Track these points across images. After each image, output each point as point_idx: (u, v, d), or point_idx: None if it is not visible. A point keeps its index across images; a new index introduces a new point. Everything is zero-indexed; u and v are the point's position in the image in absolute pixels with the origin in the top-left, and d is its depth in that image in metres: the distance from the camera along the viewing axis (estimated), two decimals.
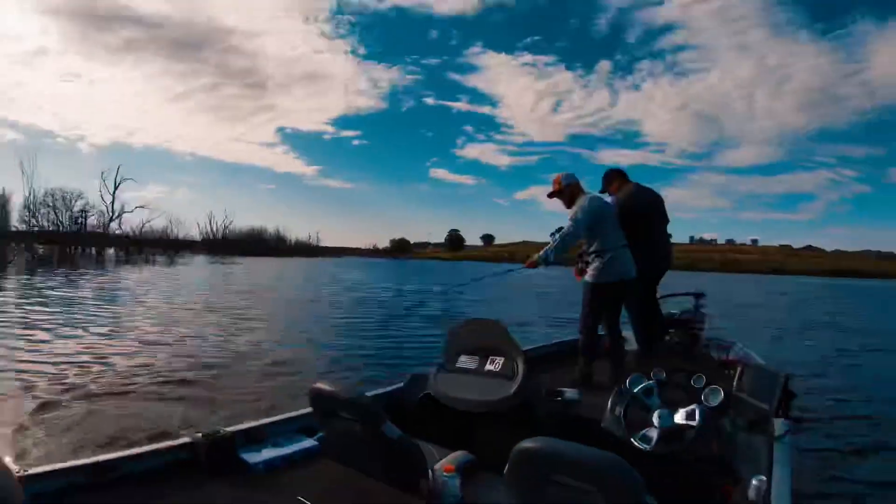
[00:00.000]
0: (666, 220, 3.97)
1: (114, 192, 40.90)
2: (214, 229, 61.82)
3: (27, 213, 32.77)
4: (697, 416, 1.98)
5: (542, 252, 3.36)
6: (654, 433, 2.02)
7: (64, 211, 36.03)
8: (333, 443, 1.80)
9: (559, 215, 3.44)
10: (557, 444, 1.14)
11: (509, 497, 1.28)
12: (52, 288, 14.04)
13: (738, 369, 2.18)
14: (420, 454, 1.66)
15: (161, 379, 4.90)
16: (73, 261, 32.16)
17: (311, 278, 24.95)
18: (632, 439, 2.05)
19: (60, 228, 35.27)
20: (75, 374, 4.90)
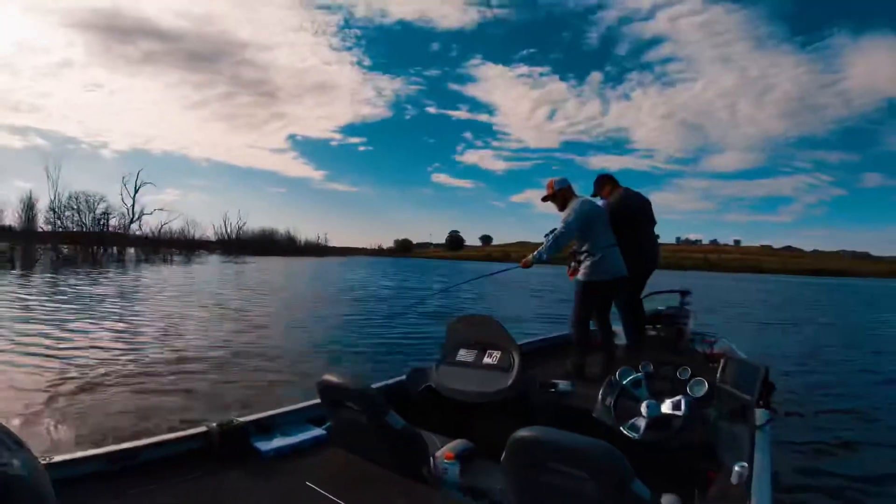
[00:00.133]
0: (653, 223, 3.96)
1: (134, 196, 40.86)
2: (229, 230, 61.76)
3: (53, 216, 32.78)
4: (683, 407, 1.98)
5: (536, 252, 3.35)
6: (642, 422, 2.02)
7: (87, 213, 35.99)
8: (341, 432, 1.80)
9: (552, 217, 3.44)
10: (551, 433, 1.14)
11: (506, 483, 1.28)
12: (75, 285, 14.03)
13: (722, 362, 2.17)
14: (422, 442, 1.66)
15: (177, 371, 4.90)
16: (95, 260, 32.18)
17: (320, 276, 24.94)
18: (621, 428, 2.05)
19: (84, 230, 35.18)
20: (97, 367, 4.90)
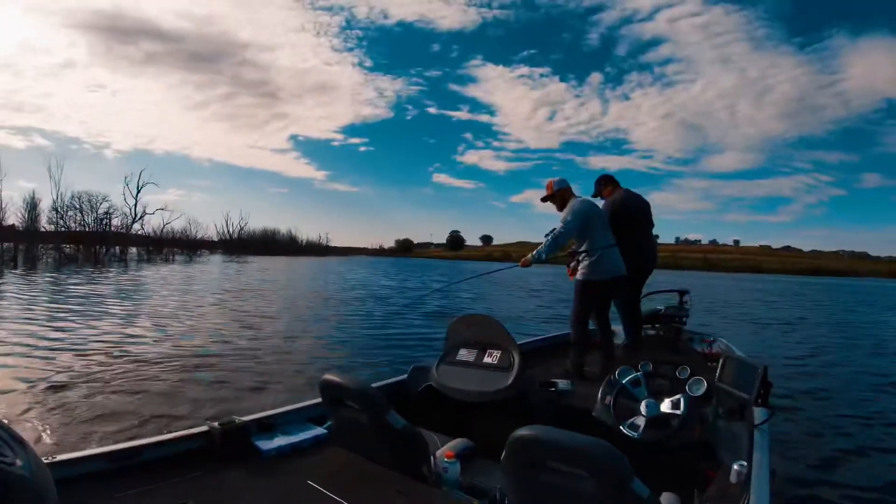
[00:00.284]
0: (651, 225, 3.97)
1: (136, 196, 40.81)
2: (230, 230, 61.69)
3: (55, 215, 32.71)
4: (682, 405, 1.98)
5: (535, 251, 3.35)
6: (641, 421, 2.02)
7: (90, 213, 35.93)
8: (341, 431, 1.80)
9: (552, 217, 3.44)
10: (551, 432, 1.14)
11: (506, 482, 1.28)
12: (77, 284, 14.04)
13: (720, 361, 2.17)
14: (423, 441, 1.66)
15: (178, 370, 4.91)
16: (97, 260, 32.20)
17: (320, 276, 24.95)
18: (621, 427, 2.05)
19: (86, 229, 35.15)
20: (97, 366, 4.90)
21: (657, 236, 4.07)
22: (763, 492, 1.47)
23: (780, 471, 2.83)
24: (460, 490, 1.63)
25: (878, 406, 4.73)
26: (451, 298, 13.71)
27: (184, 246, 45.39)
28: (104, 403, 3.84)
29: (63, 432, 3.28)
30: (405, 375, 2.60)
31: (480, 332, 2.54)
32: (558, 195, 3.44)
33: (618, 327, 3.84)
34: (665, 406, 2.02)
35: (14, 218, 28.74)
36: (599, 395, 2.23)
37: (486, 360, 2.44)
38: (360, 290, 17.12)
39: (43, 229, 31.32)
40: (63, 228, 32.89)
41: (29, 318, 7.68)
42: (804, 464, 3.22)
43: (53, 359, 5.15)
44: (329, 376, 1.71)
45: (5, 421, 0.80)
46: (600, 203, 3.79)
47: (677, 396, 2.03)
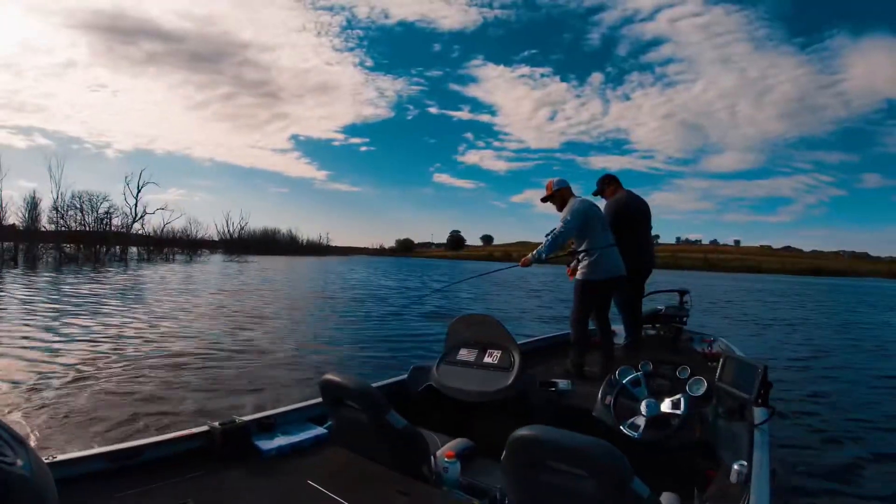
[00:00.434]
0: (650, 227, 4.00)
1: (137, 195, 40.64)
2: (231, 230, 61.58)
3: (56, 215, 32.64)
4: (682, 405, 1.98)
5: (535, 251, 3.36)
6: (641, 421, 2.02)
7: (90, 212, 35.88)
8: (342, 431, 1.80)
9: (553, 217, 3.43)
10: (551, 432, 1.14)
11: (506, 481, 1.28)
12: (76, 284, 14.05)
13: (721, 361, 2.17)
14: (423, 441, 1.66)
15: (178, 370, 4.91)
16: (98, 259, 32.20)
17: (321, 276, 24.95)
18: (621, 427, 2.05)
19: (87, 229, 35.11)
20: (98, 366, 4.91)
21: (657, 236, 4.10)
22: (763, 491, 1.47)
23: (780, 470, 2.83)
24: (460, 490, 1.63)
25: (879, 406, 4.73)
26: (451, 298, 13.71)
27: (184, 246, 45.33)
28: (104, 403, 3.84)
29: (63, 432, 3.28)
30: (405, 375, 2.60)
31: (480, 332, 2.55)
32: (558, 195, 3.44)
33: (618, 327, 3.85)
34: (665, 406, 2.02)
35: (14, 217, 28.77)
36: (599, 395, 2.23)
37: (487, 360, 2.44)
38: (360, 290, 17.12)
39: (43, 229, 31.32)
40: (63, 228, 32.84)
41: (28, 318, 7.69)
42: (804, 464, 3.22)
43: (53, 359, 5.15)
44: (329, 376, 1.71)
45: (4, 420, 0.81)
46: (602, 202, 3.80)
47: (677, 396, 2.03)
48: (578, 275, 3.34)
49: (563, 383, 2.68)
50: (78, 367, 4.84)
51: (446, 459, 1.67)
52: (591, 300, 3.37)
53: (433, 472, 1.64)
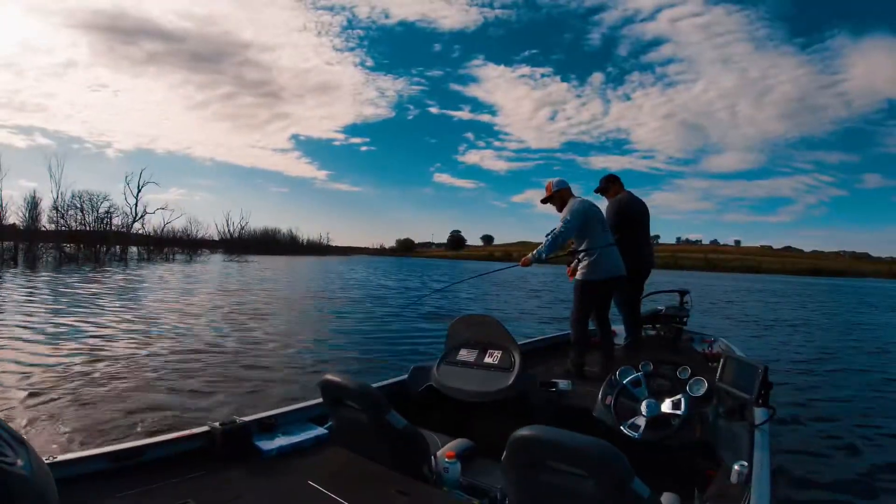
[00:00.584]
0: (648, 228, 4.01)
1: (137, 195, 40.62)
2: (231, 229, 61.52)
3: (56, 214, 32.63)
4: (683, 406, 1.98)
5: (535, 251, 3.36)
6: (642, 421, 2.02)
7: (90, 212, 35.87)
8: (342, 431, 1.80)
9: (553, 217, 3.43)
10: (551, 432, 1.14)
11: (506, 482, 1.28)
12: (77, 283, 14.05)
13: (721, 361, 2.17)
14: (423, 441, 1.66)
15: (178, 370, 4.91)
16: (98, 259, 32.20)
17: (321, 275, 24.94)
18: (621, 427, 2.05)
19: (87, 228, 35.10)
20: (98, 366, 4.91)
21: (657, 236, 4.12)
22: (763, 492, 1.47)
23: (780, 471, 2.83)
24: (461, 490, 1.63)
25: (880, 407, 4.73)
26: (451, 299, 13.71)
27: (184, 245, 45.34)
28: (105, 403, 3.84)
29: (63, 432, 3.28)
30: (405, 375, 2.61)
31: (481, 333, 2.55)
32: (557, 196, 3.44)
33: (618, 327, 3.85)
34: (665, 406, 2.02)
35: (15, 217, 28.78)
36: (600, 395, 2.23)
37: (487, 360, 2.44)
38: (360, 290, 17.12)
39: (43, 228, 31.32)
40: (63, 228, 32.85)
41: (28, 318, 7.69)
42: (805, 464, 3.22)
43: (52, 359, 5.15)
44: (329, 376, 1.71)
45: (4, 420, 0.81)
46: (603, 201, 3.82)
47: (678, 396, 2.03)
48: (578, 275, 3.34)
49: (563, 383, 2.68)
50: (78, 367, 4.84)
51: (447, 460, 1.67)
52: (591, 300, 3.37)
53: (433, 472, 1.64)
